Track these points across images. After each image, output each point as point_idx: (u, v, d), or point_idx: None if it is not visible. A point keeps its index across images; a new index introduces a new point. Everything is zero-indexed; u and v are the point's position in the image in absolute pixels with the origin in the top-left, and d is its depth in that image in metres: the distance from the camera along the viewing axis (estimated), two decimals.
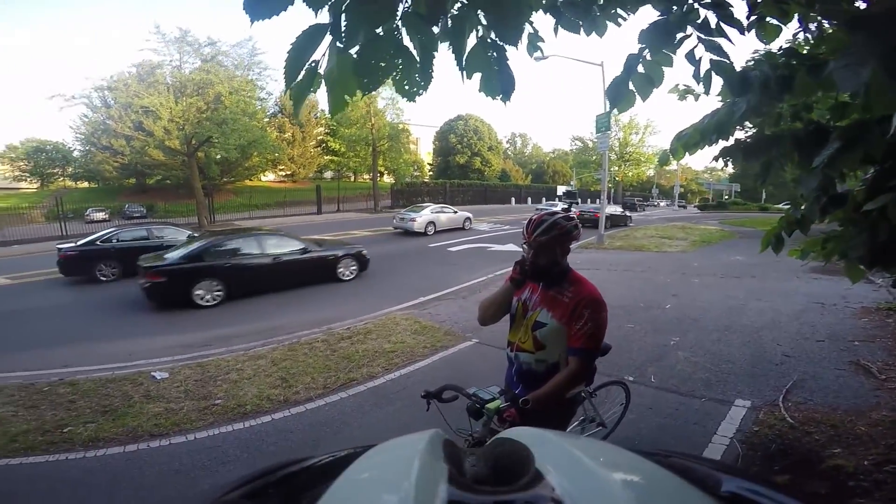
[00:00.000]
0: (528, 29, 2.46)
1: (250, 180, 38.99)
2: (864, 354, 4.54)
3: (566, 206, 22.84)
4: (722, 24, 1.59)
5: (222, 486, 0.74)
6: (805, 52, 1.84)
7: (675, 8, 1.64)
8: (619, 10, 1.97)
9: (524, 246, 1.81)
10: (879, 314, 5.96)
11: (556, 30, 2.18)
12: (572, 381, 1.69)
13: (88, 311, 7.93)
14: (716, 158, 2.14)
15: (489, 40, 1.18)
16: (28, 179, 41.00)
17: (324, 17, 1.09)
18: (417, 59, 1.15)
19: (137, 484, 2.88)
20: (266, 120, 30.48)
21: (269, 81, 25.15)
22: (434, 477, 0.56)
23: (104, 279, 9.90)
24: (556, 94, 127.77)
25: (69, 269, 9.92)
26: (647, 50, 1.68)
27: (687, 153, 2.25)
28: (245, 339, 5.77)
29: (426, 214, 17.48)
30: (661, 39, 1.60)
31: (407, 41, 1.14)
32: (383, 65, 1.12)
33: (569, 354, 1.72)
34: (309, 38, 1.06)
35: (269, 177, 44.56)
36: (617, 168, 43.76)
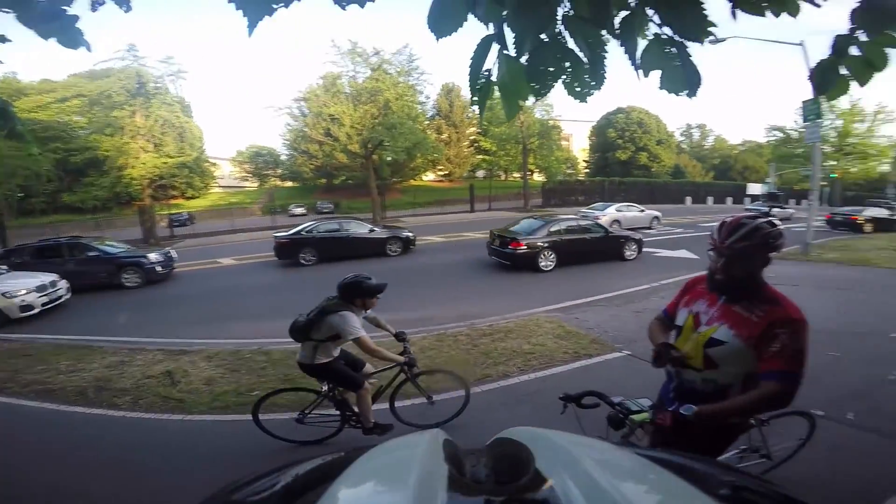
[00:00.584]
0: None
1: (414, 180, 42.97)
2: None
3: (766, 210, 18.90)
4: None
5: (222, 486, 0.75)
6: None
7: None
8: None
9: (711, 253, 1.58)
10: None
11: (733, 13, 1.79)
12: (761, 403, 1.46)
13: (291, 288, 9.73)
14: None
15: (665, 37, 1.16)
16: (250, 179, 52.18)
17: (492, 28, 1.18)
18: (585, 60, 1.16)
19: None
20: (426, 123, 32.95)
21: (426, 86, 27.15)
22: (434, 477, 0.56)
23: (305, 263, 12.11)
24: (743, 80, 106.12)
25: (282, 254, 12.37)
26: (860, 31, 1.30)
27: None
28: (399, 325, 6.19)
29: (611, 212, 17.21)
30: (881, 21, 1.24)
31: (572, 44, 1.15)
32: (552, 69, 1.16)
33: (762, 380, 1.44)
34: (481, 50, 1.14)
35: (429, 176, 48.40)
36: (835, 163, 33.90)
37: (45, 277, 8.51)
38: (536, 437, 0.81)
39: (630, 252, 11.05)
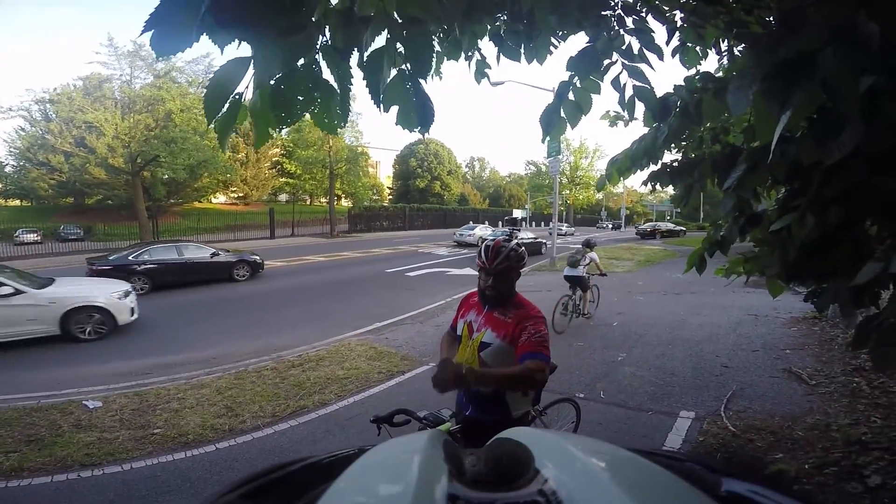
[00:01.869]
0: (475, 56, 2.53)
1: (199, 202, 37.20)
2: (794, 362, 4.88)
3: (507, 233, 23.26)
4: (644, 51, 1.70)
5: (222, 486, 0.72)
6: (719, 76, 1.98)
7: (603, 34, 1.73)
8: (552, 39, 2.07)
9: (481, 273, 1.86)
10: (806, 323, 6.45)
11: (498, 57, 2.26)
12: (522, 375, 1.67)
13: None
14: (644, 183, 2.24)
15: (408, 72, 1.18)
16: None
17: (245, 49, 1.07)
18: (338, 90, 1.13)
19: None
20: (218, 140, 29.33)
21: None
22: (434, 477, 0.56)
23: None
24: (513, 119, 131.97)
25: None
26: (576, 77, 1.75)
27: (621, 178, 2.35)
28: (188, 367, 5.44)
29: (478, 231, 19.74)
30: (588, 66, 1.67)
31: (327, 74, 1.13)
32: (301, 98, 1.11)
33: (519, 362, 1.70)
34: (232, 71, 1.04)
35: (220, 199, 42.73)
36: (568, 192, 45.54)
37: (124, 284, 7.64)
38: (536, 437, 0.81)
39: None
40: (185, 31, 0.95)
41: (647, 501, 0.50)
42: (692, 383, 4.48)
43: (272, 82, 1.06)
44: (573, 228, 40.46)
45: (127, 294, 7.27)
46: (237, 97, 1.08)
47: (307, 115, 1.18)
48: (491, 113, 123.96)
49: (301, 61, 1.09)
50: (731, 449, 3.21)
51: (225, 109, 1.09)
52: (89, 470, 3.13)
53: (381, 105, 1.14)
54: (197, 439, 3.55)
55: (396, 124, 1.22)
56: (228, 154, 34.84)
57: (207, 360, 5.74)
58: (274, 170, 42.67)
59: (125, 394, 4.48)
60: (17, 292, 6.22)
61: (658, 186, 2.40)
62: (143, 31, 0.95)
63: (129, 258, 10.33)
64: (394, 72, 1.17)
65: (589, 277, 7.21)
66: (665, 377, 4.68)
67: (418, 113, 1.19)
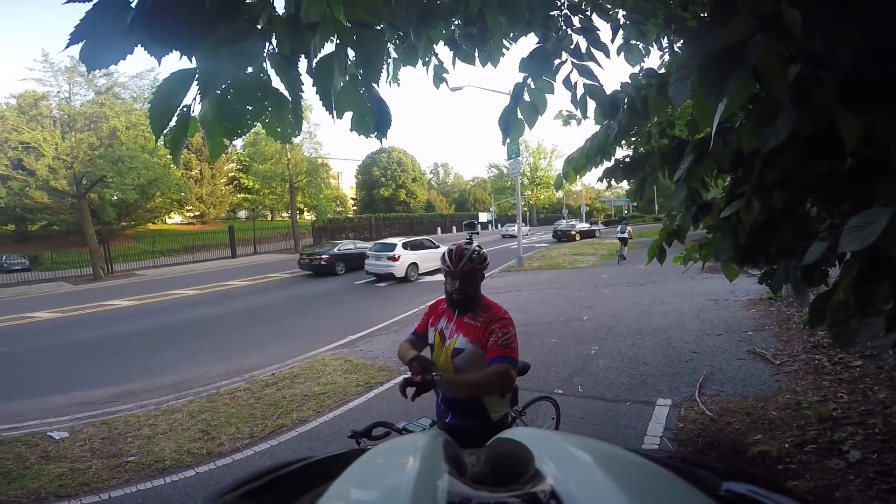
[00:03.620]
0: (433, 61, 2.55)
1: (154, 223, 35.39)
2: (758, 343, 5.12)
3: (468, 238, 22.71)
4: (592, 49, 1.75)
5: (222, 486, 0.72)
6: (662, 72, 2.07)
7: (552, 34, 1.78)
8: (504, 41, 2.10)
9: (447, 277, 1.87)
10: (763, 304, 6.82)
11: (454, 61, 2.29)
12: (492, 379, 1.69)
13: None
14: (600, 179, 2.31)
15: (360, 77, 1.16)
16: None
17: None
18: (290, 99, 1.10)
19: None
20: (169, 157, 27.89)
21: None
22: (434, 476, 0.56)
23: None
24: (474, 124, 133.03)
25: None
26: (529, 78, 1.78)
27: (578, 176, 2.41)
28: (155, 393, 5.20)
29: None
30: (540, 66, 1.72)
31: (277, 82, 1.09)
32: (251, 108, 1.07)
33: (489, 364, 1.72)
34: (177, 83, 0.99)
35: (175, 219, 40.82)
36: (530, 192, 46.50)
37: None
38: (536, 437, 0.81)
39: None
40: (115, 42, 0.89)
41: (647, 501, 0.50)
42: (665, 371, 4.62)
43: (218, 92, 1.01)
44: (527, 228, 41.10)
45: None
46: (185, 109, 1.04)
47: (259, 126, 1.13)
48: (452, 119, 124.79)
49: (249, 70, 1.05)
50: (711, 433, 3.28)
51: (174, 123, 1.05)
52: (65, 501, 3.02)
53: (335, 111, 1.11)
54: (175, 465, 3.44)
55: (351, 130, 1.20)
56: (181, 171, 33.43)
57: (175, 384, 5.50)
58: (231, 186, 41.20)
59: (92, 423, 4.27)
60: None
61: (614, 182, 2.47)
62: (68, 44, 0.89)
63: (335, 251, 15.77)
64: (346, 78, 1.15)
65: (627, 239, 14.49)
66: (638, 367, 4.81)
67: (374, 118, 1.17)
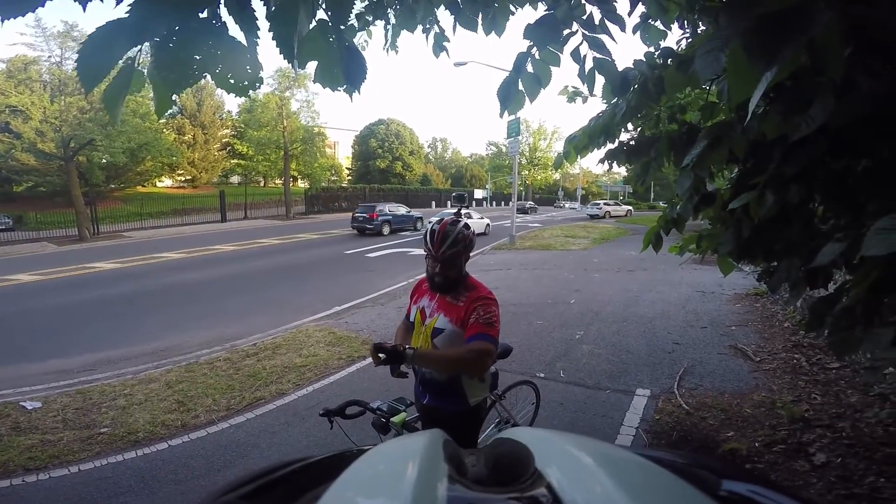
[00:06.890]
0: (434, 29, 2.39)
1: (143, 186, 34.75)
2: (740, 338, 5.12)
3: (457, 211, 22.39)
4: (606, 21, 1.60)
5: (221, 485, 0.70)
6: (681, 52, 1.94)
7: (563, 2, 1.62)
8: (510, 6, 1.95)
9: (428, 259, 1.76)
10: (749, 299, 6.85)
11: (454, 27, 2.13)
12: (469, 356, 1.61)
13: None
14: (602, 161, 2.20)
15: (328, 23, 1.02)
16: None
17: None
18: (245, 45, 0.95)
19: None
20: (162, 121, 27.54)
21: None
22: (434, 477, 0.56)
23: None
24: (475, 100, 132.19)
25: None
26: (534, 48, 1.64)
27: (578, 156, 2.29)
28: (133, 361, 5.11)
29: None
30: (547, 35, 1.56)
31: (234, 28, 0.95)
32: (198, 57, 0.92)
33: (466, 343, 1.64)
34: (111, 33, 0.84)
35: (165, 182, 40.00)
36: (527, 172, 46.06)
37: None
38: (536, 437, 0.81)
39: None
40: None
41: (647, 501, 0.50)
42: (647, 360, 4.62)
43: (157, 40, 0.88)
44: (535, 206, 41.53)
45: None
46: (129, 62, 0.92)
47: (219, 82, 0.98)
48: (453, 94, 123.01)
49: (203, 14, 0.91)
50: (686, 427, 3.29)
51: (115, 77, 0.94)
52: (34, 474, 2.95)
53: (296, 60, 0.97)
54: (148, 437, 3.38)
55: (315, 81, 1.06)
56: (173, 136, 32.80)
57: (155, 352, 5.41)
58: (224, 151, 40.28)
59: (67, 392, 4.19)
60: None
61: (615, 166, 2.36)
62: None
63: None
64: (312, 24, 1.00)
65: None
66: (621, 354, 4.81)
67: (344, 68, 1.02)
